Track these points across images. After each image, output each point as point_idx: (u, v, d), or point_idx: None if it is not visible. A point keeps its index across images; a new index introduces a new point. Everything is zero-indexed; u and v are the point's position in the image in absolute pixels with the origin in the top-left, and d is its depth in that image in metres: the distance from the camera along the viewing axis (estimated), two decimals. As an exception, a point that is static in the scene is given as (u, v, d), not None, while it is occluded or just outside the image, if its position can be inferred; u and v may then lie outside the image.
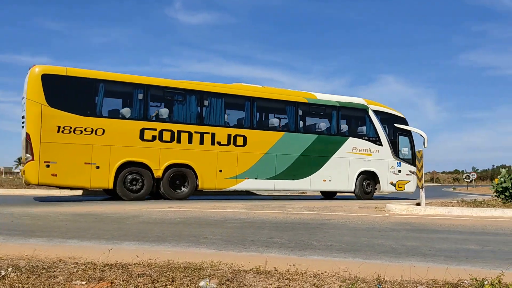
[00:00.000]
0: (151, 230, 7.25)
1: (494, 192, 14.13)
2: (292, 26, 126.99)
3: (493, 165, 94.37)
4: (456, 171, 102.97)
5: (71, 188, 13.22)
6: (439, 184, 74.03)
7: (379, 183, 16.34)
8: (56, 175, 10.67)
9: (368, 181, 16.24)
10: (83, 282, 3.74)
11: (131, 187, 12.44)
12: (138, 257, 4.67)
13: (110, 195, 14.21)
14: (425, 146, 16.40)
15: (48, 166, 11.21)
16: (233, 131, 13.92)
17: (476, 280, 3.69)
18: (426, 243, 6.50)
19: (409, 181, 16.72)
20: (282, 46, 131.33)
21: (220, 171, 13.58)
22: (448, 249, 6.04)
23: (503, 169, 14.23)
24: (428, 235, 7.47)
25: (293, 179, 14.76)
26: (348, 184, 15.79)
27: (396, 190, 16.81)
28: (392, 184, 16.57)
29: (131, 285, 3.68)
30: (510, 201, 13.33)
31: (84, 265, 4.31)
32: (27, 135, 11.21)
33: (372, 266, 4.66)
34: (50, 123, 11.33)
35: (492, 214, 10.85)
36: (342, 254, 5.53)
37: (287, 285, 3.81)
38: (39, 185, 12.99)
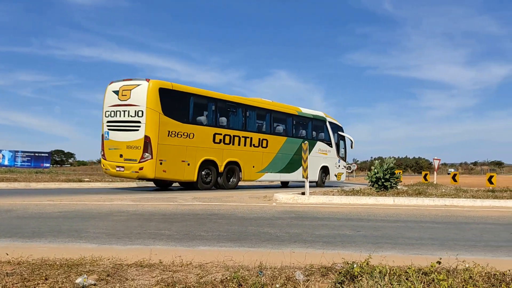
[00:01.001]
0: (26, 225, 6.69)
1: (369, 182, 15.48)
2: (188, 16, 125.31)
3: (371, 157, 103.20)
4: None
5: (172, 181, 15.89)
6: (325, 175, 78.95)
7: (329, 174, 22.01)
8: (165, 171, 12.59)
9: (324, 173, 21.66)
10: None
11: (205, 180, 15.63)
12: (7, 254, 4.28)
13: (158, 185, 16.94)
14: (352, 147, 23.16)
15: (161, 163, 13.73)
16: (261, 136, 17.93)
17: (347, 263, 4.01)
18: (308, 230, 6.90)
19: (343, 173, 23.43)
20: (178, 35, 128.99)
21: (253, 166, 17.60)
22: (327, 235, 6.47)
23: (377, 161, 15.62)
24: (310, 222, 7.93)
25: (289, 172, 19.37)
26: (316, 175, 20.85)
27: (336, 180, 22.77)
28: (335, 175, 22.53)
29: (-3, 286, 3.36)
30: (383, 189, 14.73)
31: None
32: (147, 137, 13.50)
33: (256, 254, 4.81)
34: (164, 128, 13.89)
35: (367, 201, 11.87)
36: (229, 243, 5.63)
37: (171, 276, 3.78)
38: (154, 179, 15.19)
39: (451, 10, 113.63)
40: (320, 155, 21.07)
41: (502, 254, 5.40)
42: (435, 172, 26.44)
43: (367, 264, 3.86)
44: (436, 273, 3.66)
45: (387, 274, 3.63)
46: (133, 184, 19.46)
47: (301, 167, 17.56)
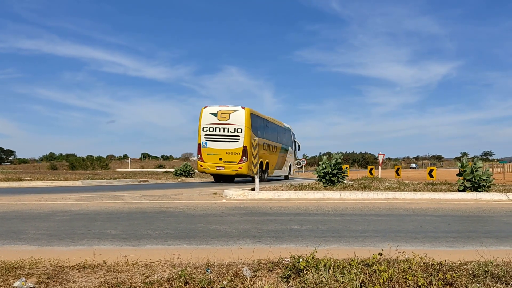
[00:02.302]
0: (-41, 228, 6.29)
1: (317, 177, 15.82)
2: (134, 8, 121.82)
3: (320, 152, 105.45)
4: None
5: (249, 177, 19.98)
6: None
7: (291, 170, 27.96)
8: (252, 170, 14.31)
9: (289, 170, 27.35)
10: None
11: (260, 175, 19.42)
12: None
13: (217, 181, 21.41)
14: (299, 150, 30.02)
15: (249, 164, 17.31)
16: (274, 144, 23.51)
17: (294, 257, 4.07)
18: (257, 225, 6.95)
19: (295, 169, 33.79)
20: (124, 28, 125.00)
21: (272, 165, 22.87)
22: (275, 230, 6.55)
23: (325, 157, 15.99)
24: (259, 218, 8.00)
25: (280, 169, 24.92)
26: (286, 171, 26.64)
27: (292, 175, 29.80)
28: (293, 171, 29.24)
29: None
30: (330, 184, 15.10)
31: None
32: (245, 147, 19.02)
33: (204, 251, 4.79)
34: (250, 140, 17.10)
35: (315, 196, 12.13)
36: (177, 241, 5.57)
37: (115, 277, 3.68)
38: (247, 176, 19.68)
39: (395, 10, 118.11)
40: (290, 156, 27.06)
41: (440, 244, 5.69)
42: (379, 167, 27.39)
43: (313, 257, 3.94)
44: (377, 265, 3.80)
45: (332, 267, 3.72)
46: (78, 183, 18.82)
47: (285, 166, 26.03)
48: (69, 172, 35.82)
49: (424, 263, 3.99)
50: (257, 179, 12.79)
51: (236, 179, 21.69)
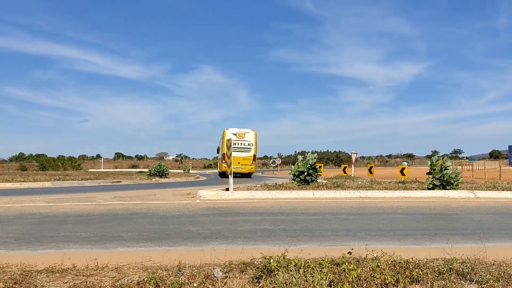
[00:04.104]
0: None
1: (292, 176, 15.92)
2: (107, 7, 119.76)
3: (295, 151, 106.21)
4: (266, 157, 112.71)
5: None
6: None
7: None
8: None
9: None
10: None
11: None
12: None
13: (222, 177, 29.41)
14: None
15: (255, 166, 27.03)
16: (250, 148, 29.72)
17: (265, 258, 4.11)
18: (230, 226, 6.97)
19: (272, 168, 49.64)
20: (96, 26, 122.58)
21: (244, 165, 29.40)
22: (248, 230, 6.58)
23: (300, 156, 16.12)
24: (233, 218, 8.01)
25: (251, 166, 29.97)
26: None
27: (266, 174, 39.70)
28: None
29: None
30: (304, 183, 15.23)
31: None
32: (254, 155, 29.22)
33: (176, 253, 4.78)
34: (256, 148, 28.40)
35: (288, 195, 12.22)
36: (149, 243, 5.53)
37: (84, 281, 3.64)
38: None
39: (367, 11, 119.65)
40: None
41: (409, 242, 5.83)
42: (352, 165, 27.80)
43: (284, 258, 3.98)
44: (347, 263, 3.87)
45: (302, 267, 3.77)
46: (48, 185, 18.43)
47: (253, 163, 29.80)
48: (39, 173, 34.97)
49: (392, 261, 4.08)
50: (231, 179, 12.78)
51: (252, 175, 31.69)
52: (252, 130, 29.87)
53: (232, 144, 23.56)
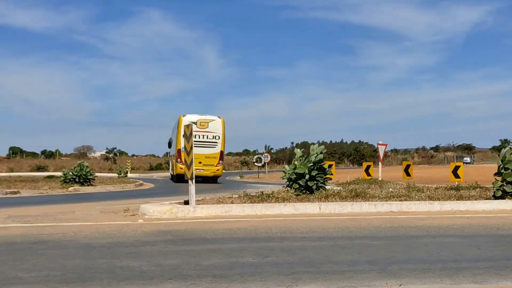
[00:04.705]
0: None
1: (286, 181, 15.95)
2: None
3: (292, 143, 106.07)
4: (246, 152, 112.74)
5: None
6: (224, 171, 79.85)
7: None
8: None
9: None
10: None
11: None
12: None
13: (179, 181, 31.86)
14: None
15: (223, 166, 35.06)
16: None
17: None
18: (191, 259, 6.98)
19: (257, 168, 55.20)
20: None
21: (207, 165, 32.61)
22: (219, 265, 6.61)
23: (298, 150, 16.14)
24: (195, 247, 8.03)
25: (217, 166, 33.28)
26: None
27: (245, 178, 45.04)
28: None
29: None
30: (305, 192, 15.23)
31: None
32: (222, 152, 33.26)
33: (108, 302, 4.78)
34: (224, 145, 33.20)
35: (281, 211, 12.31)
36: (65, 287, 5.52)
37: None
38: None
39: None
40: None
41: (465, 279, 5.91)
42: (380, 163, 27.89)
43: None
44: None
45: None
46: None
47: (220, 162, 34.26)
48: None
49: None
50: (192, 187, 12.68)
51: (218, 180, 34.10)
52: (219, 117, 32.69)
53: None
